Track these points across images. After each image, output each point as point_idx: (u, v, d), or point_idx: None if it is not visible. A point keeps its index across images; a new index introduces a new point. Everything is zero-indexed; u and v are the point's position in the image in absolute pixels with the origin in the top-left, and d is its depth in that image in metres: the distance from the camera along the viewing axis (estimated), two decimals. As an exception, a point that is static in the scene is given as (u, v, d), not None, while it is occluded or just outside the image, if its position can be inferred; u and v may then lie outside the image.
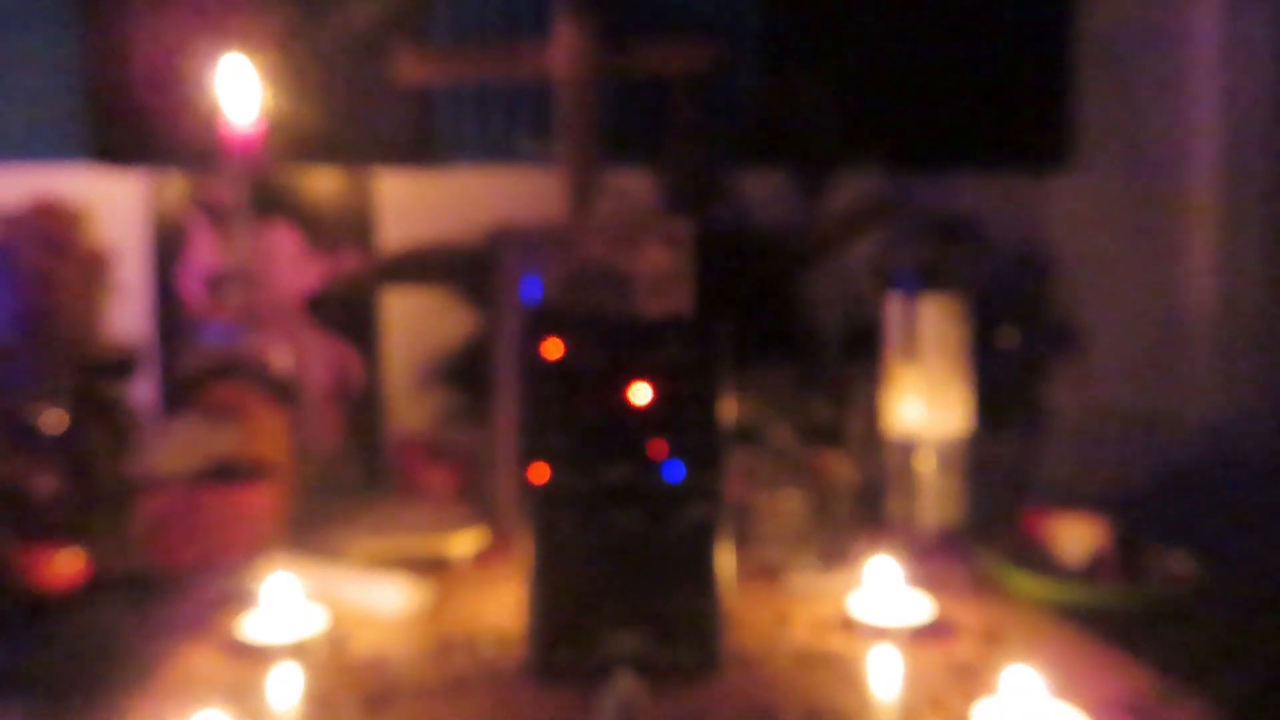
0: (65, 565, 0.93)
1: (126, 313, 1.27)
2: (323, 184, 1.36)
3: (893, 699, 0.75)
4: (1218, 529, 1.10)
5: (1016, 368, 1.39)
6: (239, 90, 1.19)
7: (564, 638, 0.78)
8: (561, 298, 1.03)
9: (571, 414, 0.77)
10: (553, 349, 0.77)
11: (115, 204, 1.32)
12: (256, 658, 0.82)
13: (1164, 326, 1.50)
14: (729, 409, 0.81)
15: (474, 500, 1.19)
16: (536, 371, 0.78)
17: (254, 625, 0.86)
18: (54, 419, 0.96)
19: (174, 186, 1.34)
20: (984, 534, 1.06)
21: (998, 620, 0.90)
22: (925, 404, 1.12)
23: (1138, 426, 1.45)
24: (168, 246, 1.33)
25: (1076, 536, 1.00)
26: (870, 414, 1.16)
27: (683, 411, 0.78)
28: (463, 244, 1.29)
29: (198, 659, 0.83)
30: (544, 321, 0.79)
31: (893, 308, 1.14)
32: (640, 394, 0.77)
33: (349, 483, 1.26)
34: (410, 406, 1.34)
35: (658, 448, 0.77)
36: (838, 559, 1.00)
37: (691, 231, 1.15)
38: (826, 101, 1.41)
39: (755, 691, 0.76)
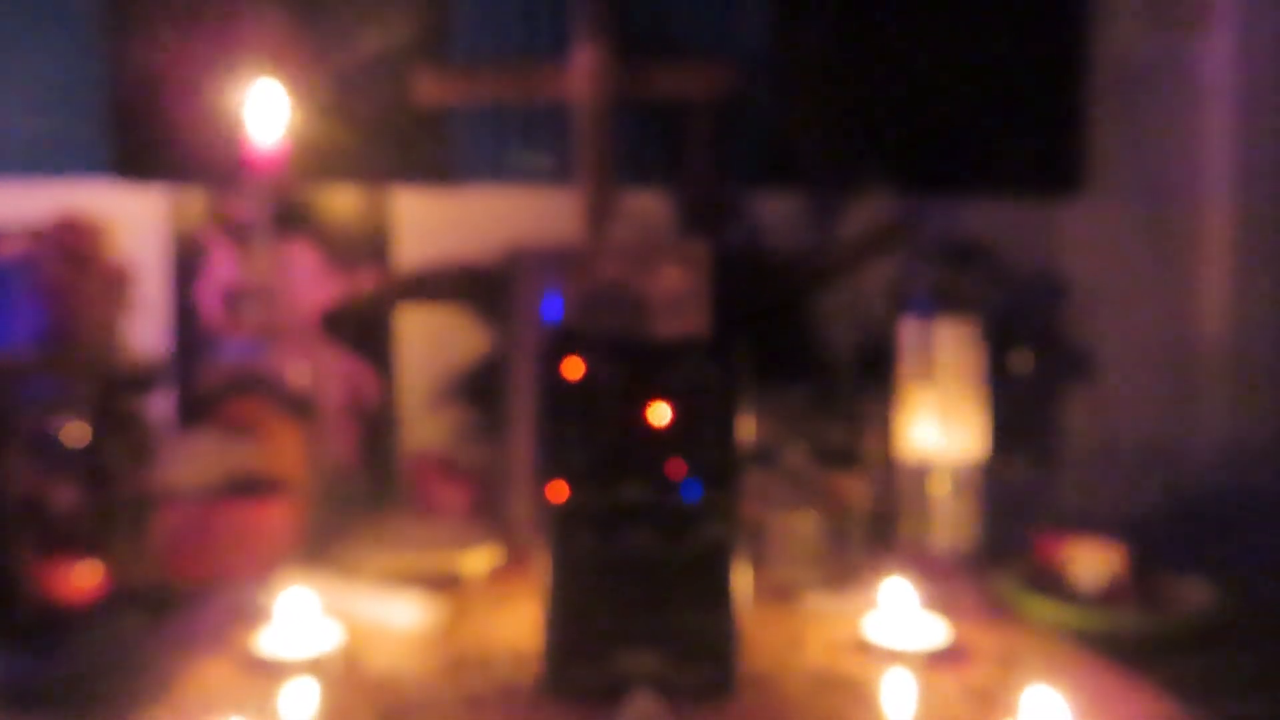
0: (84, 577, 0.94)
1: (146, 328, 1.28)
2: (341, 202, 1.37)
3: (909, 723, 0.75)
4: (1230, 555, 1.09)
5: (1030, 393, 1.39)
6: (262, 109, 1.21)
7: (580, 655, 0.78)
8: (578, 318, 1.04)
9: (590, 433, 0.78)
10: (573, 369, 0.78)
11: (136, 219, 1.33)
12: (272, 672, 0.83)
13: (1177, 352, 1.50)
14: (746, 430, 0.81)
15: (488, 517, 1.19)
16: (556, 391, 0.78)
17: (270, 640, 0.86)
18: (76, 432, 0.96)
19: (195, 203, 1.35)
20: (998, 558, 1.06)
21: (1012, 645, 0.89)
22: (939, 427, 1.12)
23: (1151, 452, 1.44)
24: (187, 262, 1.34)
25: (1091, 562, 1.00)
26: (885, 437, 1.16)
27: (700, 432, 0.78)
28: (478, 263, 1.30)
29: (214, 673, 0.83)
30: (565, 341, 0.79)
31: (907, 332, 1.15)
32: (659, 414, 0.78)
33: (363, 499, 1.27)
34: (425, 423, 1.35)
35: (675, 467, 0.78)
36: (851, 581, 1.00)
37: (707, 253, 1.15)
38: (841, 125, 1.43)
39: (770, 713, 0.76)
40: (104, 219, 1.24)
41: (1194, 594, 0.98)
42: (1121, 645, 0.89)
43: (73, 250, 1.18)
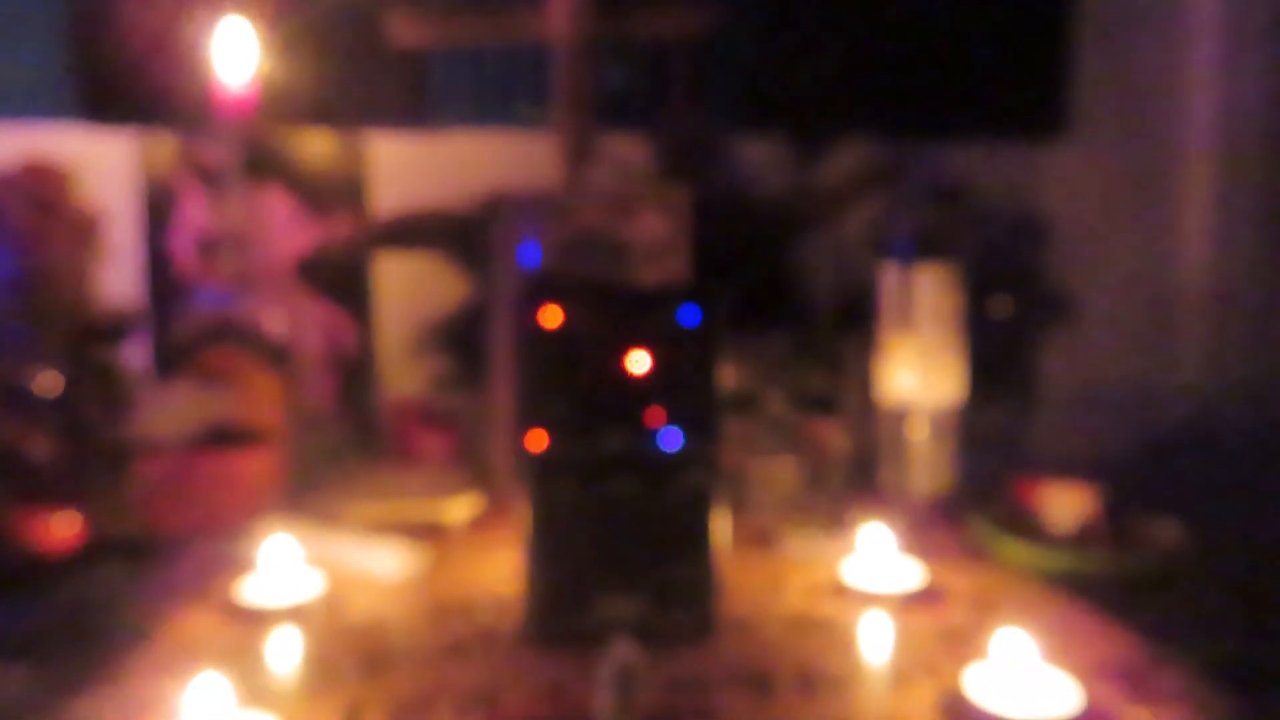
0: (61, 528, 0.93)
1: (117, 275, 1.26)
2: (316, 147, 1.35)
3: (885, 663, 0.77)
4: (1205, 497, 1.11)
5: (1008, 337, 1.40)
6: (232, 51, 1.18)
7: (561, 603, 0.79)
8: (558, 264, 1.03)
9: (569, 382, 0.78)
10: (551, 317, 0.77)
11: (104, 165, 1.30)
12: (255, 621, 0.83)
13: (1156, 296, 1.51)
14: (726, 377, 0.81)
15: (468, 466, 1.19)
16: (534, 339, 0.78)
17: (252, 589, 0.86)
18: (48, 382, 0.95)
19: (164, 148, 1.32)
20: (975, 502, 1.07)
21: (988, 587, 0.91)
22: (919, 373, 1.12)
23: (1128, 395, 1.46)
24: (158, 209, 1.32)
25: (1066, 504, 1.01)
26: (864, 382, 1.16)
27: (681, 380, 0.78)
28: (457, 209, 1.28)
29: (196, 622, 0.83)
30: (542, 289, 0.79)
31: (887, 277, 1.15)
32: (638, 362, 0.78)
33: (343, 447, 1.26)
34: (404, 372, 1.34)
35: (655, 416, 0.78)
36: (831, 526, 1.01)
37: (688, 198, 1.14)
38: (823, 67, 1.41)
39: (750, 656, 0.77)
40: (71, 164, 1.22)
41: (1166, 534, 0.99)
42: (1094, 586, 0.90)
43: (40, 196, 1.15)
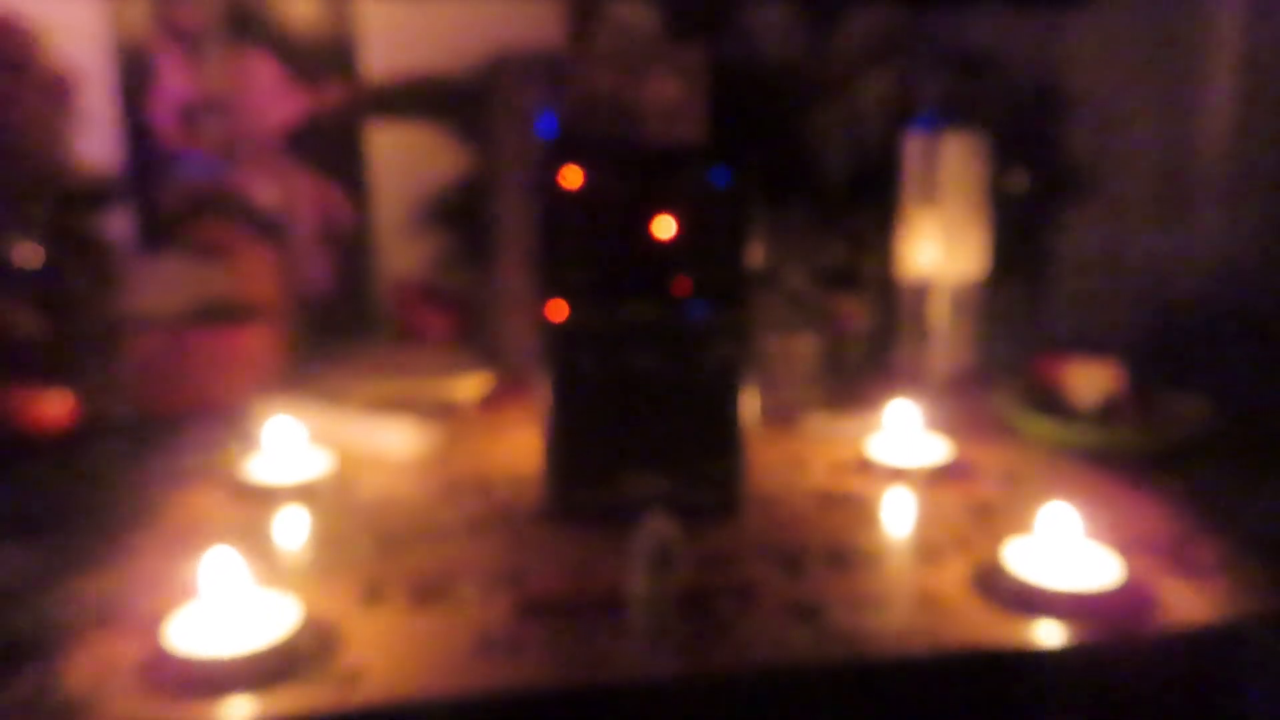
0: (53, 406, 0.89)
1: (94, 142, 1.19)
2: (302, 9, 1.26)
3: (918, 537, 0.74)
4: (1224, 374, 1.09)
5: (1025, 211, 1.35)
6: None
7: (582, 478, 0.76)
8: (575, 126, 0.97)
9: (591, 248, 0.73)
10: (571, 177, 0.72)
11: (74, 25, 1.21)
12: (263, 499, 0.80)
13: (1176, 169, 1.46)
14: (754, 245, 0.77)
15: (473, 345, 1.15)
16: (554, 202, 0.73)
17: (258, 468, 0.83)
18: (28, 253, 0.90)
19: (138, 8, 1.23)
20: (997, 379, 1.05)
21: (1016, 462, 0.89)
22: (941, 246, 1.08)
23: (1146, 272, 1.42)
24: (134, 73, 1.24)
25: (1090, 380, 0.99)
26: (884, 256, 1.12)
27: (708, 246, 0.74)
28: (456, 74, 1.21)
29: (201, 501, 0.80)
30: (563, 148, 0.73)
31: (912, 146, 1.09)
32: (665, 227, 0.73)
33: (342, 327, 1.22)
34: (403, 249, 1.28)
35: (682, 284, 0.74)
36: (851, 402, 0.98)
37: (704, 59, 1.08)
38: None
39: (778, 532, 0.74)
40: (38, 24, 1.13)
41: (1189, 409, 0.97)
42: (1120, 461, 0.88)
43: (6, 56, 1.07)
